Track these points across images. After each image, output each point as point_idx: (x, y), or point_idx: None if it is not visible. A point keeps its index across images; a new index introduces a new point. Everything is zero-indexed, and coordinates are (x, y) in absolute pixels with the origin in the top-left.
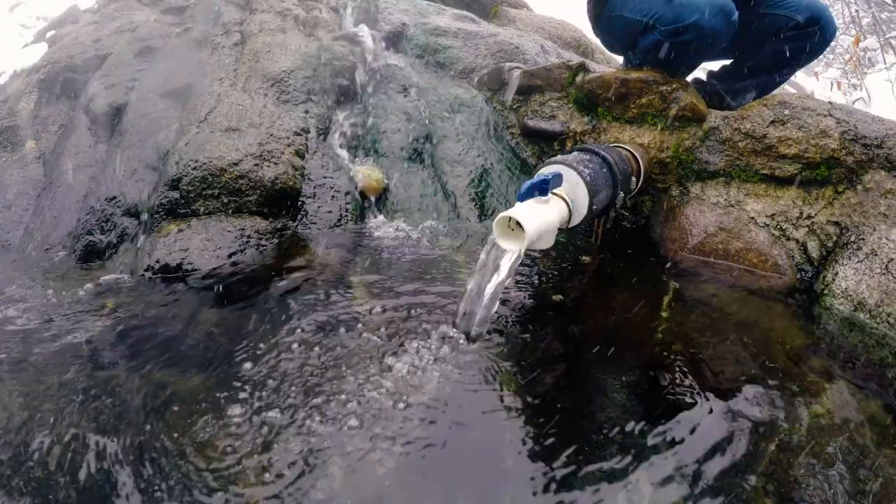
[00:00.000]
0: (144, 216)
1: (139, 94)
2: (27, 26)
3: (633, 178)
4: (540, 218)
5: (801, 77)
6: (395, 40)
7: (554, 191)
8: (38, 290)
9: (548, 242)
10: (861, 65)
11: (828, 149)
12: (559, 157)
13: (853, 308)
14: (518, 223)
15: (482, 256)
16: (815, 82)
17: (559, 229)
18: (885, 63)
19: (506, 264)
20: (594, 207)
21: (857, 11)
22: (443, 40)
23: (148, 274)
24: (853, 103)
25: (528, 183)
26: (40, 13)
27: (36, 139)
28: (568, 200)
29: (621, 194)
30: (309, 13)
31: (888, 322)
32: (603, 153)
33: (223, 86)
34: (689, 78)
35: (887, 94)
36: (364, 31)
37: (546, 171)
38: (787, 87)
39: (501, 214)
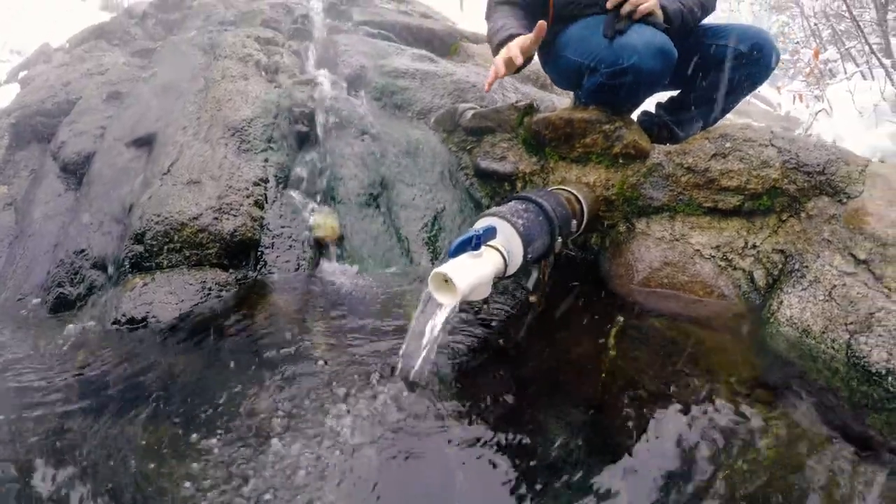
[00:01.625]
0: (111, 269)
1: (106, 143)
2: (1, 60)
3: (574, 221)
4: (472, 273)
5: (765, 89)
6: (354, 83)
7: (489, 243)
8: (12, 341)
9: (483, 293)
10: (823, 76)
11: (769, 179)
12: (494, 208)
13: (799, 335)
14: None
15: (419, 308)
16: (777, 95)
17: (497, 277)
18: (845, 73)
19: (441, 316)
20: (529, 257)
21: (816, 24)
22: (400, 81)
23: (116, 327)
24: (815, 115)
25: (458, 239)
26: (14, 46)
27: (7, 184)
28: (503, 252)
29: (559, 239)
30: (270, 58)
31: (833, 348)
32: (539, 201)
33: (186, 135)
34: (638, 110)
35: (848, 105)
36: (323, 76)
37: (479, 225)
38: (752, 101)
39: (434, 271)
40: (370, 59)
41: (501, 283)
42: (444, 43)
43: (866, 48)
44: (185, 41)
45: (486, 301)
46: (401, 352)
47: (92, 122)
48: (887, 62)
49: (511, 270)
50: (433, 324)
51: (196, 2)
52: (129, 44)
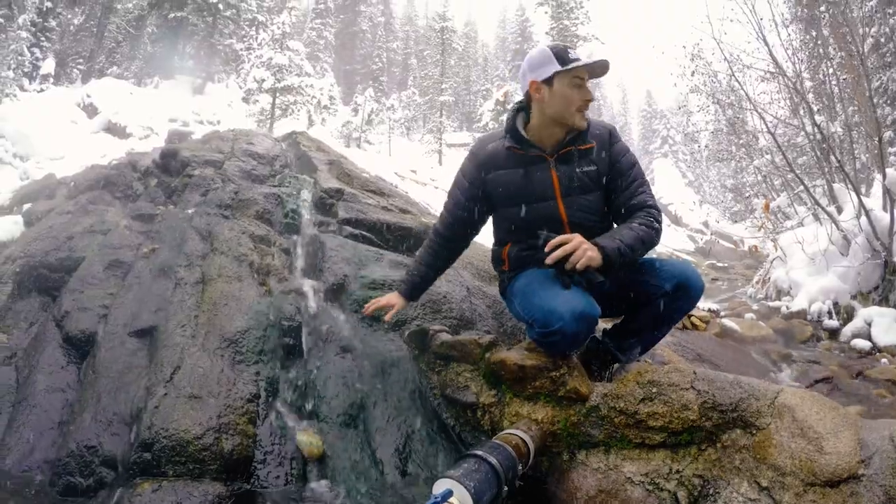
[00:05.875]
0: (121, 469)
1: (110, 327)
2: (4, 162)
3: (521, 465)
4: None
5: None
6: (336, 293)
7: (449, 500)
8: None
9: None
10: (778, 222)
11: (688, 420)
12: (451, 470)
13: None
14: None
15: None
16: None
17: None
18: (797, 215)
19: None
20: None
21: (764, 177)
22: (378, 294)
23: None
24: (772, 262)
25: None
26: (18, 150)
27: (7, 333)
28: None
29: (506, 487)
30: (263, 259)
31: None
32: (490, 459)
33: (185, 335)
34: None
35: (800, 251)
36: (309, 287)
37: (438, 490)
38: (719, 241)
39: None
40: (352, 268)
41: None
42: (418, 240)
43: (811, 199)
44: (185, 220)
45: None
46: None
47: (95, 297)
48: (832, 209)
49: None
50: None
51: (197, 171)
52: (131, 199)
